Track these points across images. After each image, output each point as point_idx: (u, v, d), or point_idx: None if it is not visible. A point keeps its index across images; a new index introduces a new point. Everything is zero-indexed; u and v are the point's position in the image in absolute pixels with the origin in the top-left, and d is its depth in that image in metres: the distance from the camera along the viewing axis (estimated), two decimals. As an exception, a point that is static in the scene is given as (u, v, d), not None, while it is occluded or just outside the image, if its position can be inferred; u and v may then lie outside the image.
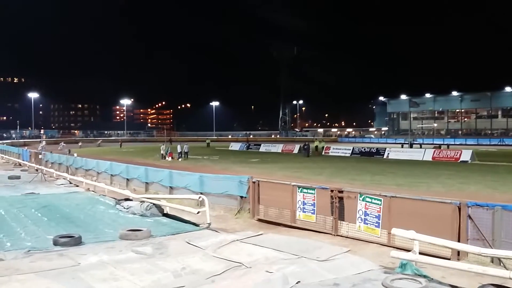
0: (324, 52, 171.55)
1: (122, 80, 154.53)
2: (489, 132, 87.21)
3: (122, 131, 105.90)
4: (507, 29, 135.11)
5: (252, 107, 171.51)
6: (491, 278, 5.83)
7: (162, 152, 36.85)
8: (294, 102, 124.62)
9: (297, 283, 6.21)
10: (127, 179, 18.40)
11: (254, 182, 11.78)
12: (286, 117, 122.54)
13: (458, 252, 7.41)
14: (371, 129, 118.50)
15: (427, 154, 34.85)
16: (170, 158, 35.48)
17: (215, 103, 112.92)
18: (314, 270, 6.82)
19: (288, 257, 7.52)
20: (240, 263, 7.15)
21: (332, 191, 9.84)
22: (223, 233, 9.54)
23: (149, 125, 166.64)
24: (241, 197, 12.22)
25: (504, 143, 67.64)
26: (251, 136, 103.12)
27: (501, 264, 6.87)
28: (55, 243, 8.53)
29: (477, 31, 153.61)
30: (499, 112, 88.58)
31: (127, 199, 13.35)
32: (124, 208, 12.49)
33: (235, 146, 56.17)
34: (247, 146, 54.76)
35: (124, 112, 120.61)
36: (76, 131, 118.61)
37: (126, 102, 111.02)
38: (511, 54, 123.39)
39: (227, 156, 39.68)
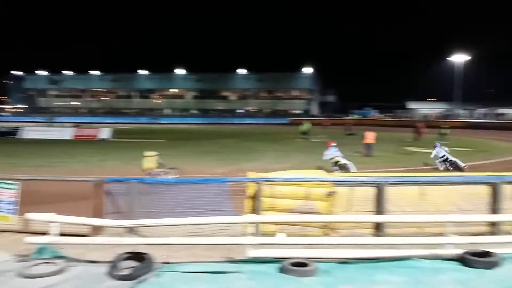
0: None
1: None
2: (127, 111, 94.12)
3: None
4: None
5: None
6: (128, 247, 6.31)
7: None
8: None
9: None
10: None
11: None
12: None
13: (98, 227, 7.70)
14: (5, 106, 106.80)
15: (68, 133, 34.78)
16: None
17: None
18: None
19: None
20: None
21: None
22: None
23: None
24: None
25: (139, 122, 74.60)
26: None
27: (135, 232, 7.57)
28: None
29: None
30: (136, 93, 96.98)
31: None
32: None
33: None
34: None
35: None
36: None
37: None
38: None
39: None
